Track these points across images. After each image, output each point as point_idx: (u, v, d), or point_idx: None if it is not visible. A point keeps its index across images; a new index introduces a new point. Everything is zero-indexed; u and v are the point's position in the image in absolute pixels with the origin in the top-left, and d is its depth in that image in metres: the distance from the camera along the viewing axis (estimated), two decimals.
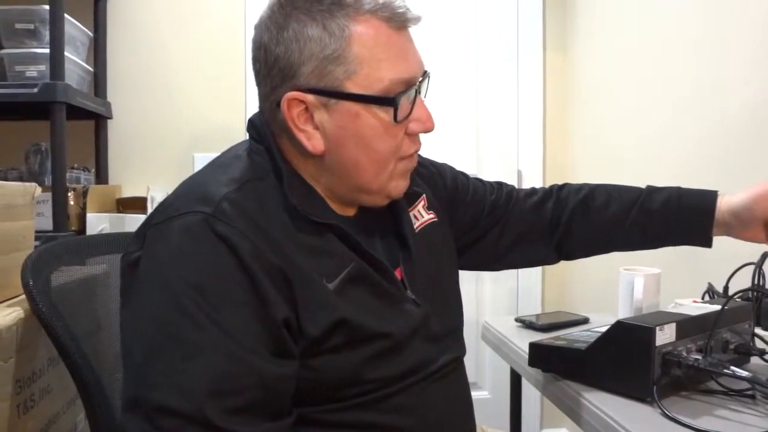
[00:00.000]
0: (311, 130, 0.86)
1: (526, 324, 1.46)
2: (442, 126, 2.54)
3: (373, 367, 0.85)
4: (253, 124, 0.94)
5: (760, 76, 1.57)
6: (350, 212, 0.95)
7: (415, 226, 1.01)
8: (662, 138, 1.99)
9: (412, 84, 0.86)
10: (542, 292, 2.73)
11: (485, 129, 2.68)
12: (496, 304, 2.70)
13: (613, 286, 1.44)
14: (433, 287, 0.98)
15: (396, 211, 0.98)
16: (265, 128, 0.90)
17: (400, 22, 0.85)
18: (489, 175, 1.27)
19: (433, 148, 2.49)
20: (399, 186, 0.92)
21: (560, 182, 1.22)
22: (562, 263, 2.46)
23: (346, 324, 0.82)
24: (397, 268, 0.94)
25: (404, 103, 0.86)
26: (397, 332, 0.87)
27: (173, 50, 2.49)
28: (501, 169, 2.63)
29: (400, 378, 0.87)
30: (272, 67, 0.85)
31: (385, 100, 0.84)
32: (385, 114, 0.85)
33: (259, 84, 0.90)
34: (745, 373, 0.90)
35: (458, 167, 1.23)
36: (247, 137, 0.95)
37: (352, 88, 0.83)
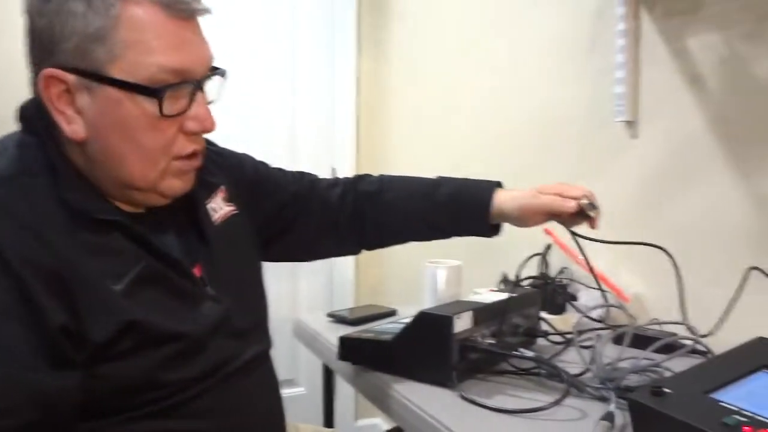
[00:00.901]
0: (72, 113, 0.79)
1: (338, 318, 1.48)
2: (258, 122, 2.53)
3: (170, 369, 0.81)
4: (24, 113, 0.84)
5: (544, 85, 1.72)
6: (141, 208, 0.89)
7: (213, 219, 0.97)
8: (465, 138, 2.12)
9: (188, 78, 0.81)
10: (356, 286, 2.78)
11: (300, 126, 2.67)
12: (311, 299, 2.71)
13: (421, 279, 1.50)
14: (235, 281, 0.95)
15: (192, 204, 0.94)
16: (40, 115, 0.81)
17: (179, 11, 0.79)
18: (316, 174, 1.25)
19: (247, 143, 2.46)
20: (174, 186, 0.86)
21: None
22: (375, 257, 2.51)
23: (135, 326, 0.77)
24: (196, 265, 0.90)
25: (177, 97, 0.80)
26: (193, 332, 0.83)
27: None
28: (315, 166, 2.65)
29: (200, 379, 0.84)
30: (35, 41, 0.78)
31: (150, 91, 0.78)
32: (150, 105, 0.78)
33: (28, 60, 0.81)
34: (531, 354, 0.98)
35: (273, 164, 1.21)
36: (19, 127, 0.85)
37: (115, 72, 0.77)
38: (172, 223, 0.92)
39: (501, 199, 1.08)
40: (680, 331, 1.14)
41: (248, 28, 2.53)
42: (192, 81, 0.81)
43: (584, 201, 1.00)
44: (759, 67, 1.18)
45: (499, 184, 1.11)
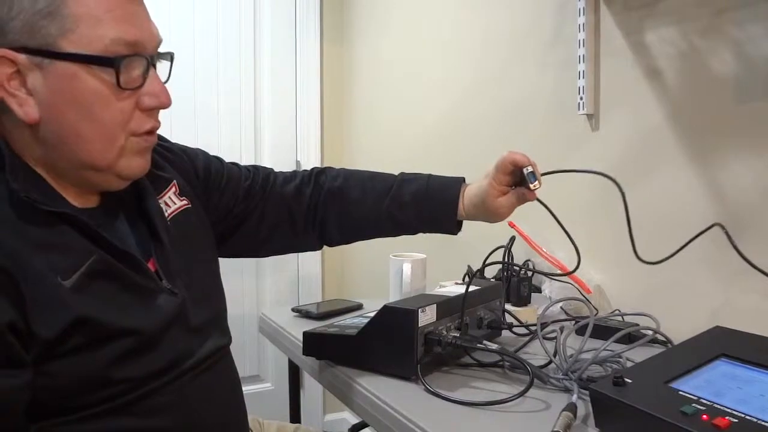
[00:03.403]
0: (24, 95, 0.77)
1: (303, 313, 1.47)
2: (221, 115, 2.51)
3: (123, 366, 0.79)
4: None
5: (508, 76, 1.73)
6: (92, 203, 0.87)
7: (166, 214, 0.95)
8: (429, 128, 2.12)
9: (140, 51, 0.80)
10: (322, 280, 2.78)
11: (264, 120, 2.65)
12: (277, 294, 2.70)
13: (386, 272, 1.50)
14: (190, 276, 0.93)
15: (144, 199, 0.92)
16: None
17: None
18: (268, 166, 1.24)
19: (211, 137, 2.45)
20: (133, 165, 0.85)
21: None
22: (341, 251, 2.50)
23: (86, 323, 0.75)
24: (150, 259, 0.89)
25: (132, 70, 0.80)
26: (148, 327, 0.82)
27: None
28: (280, 159, 2.63)
29: (155, 375, 0.82)
30: None
31: (106, 60, 0.77)
32: (108, 76, 0.78)
33: None
34: (495, 347, 0.98)
35: (237, 158, 1.20)
36: None
37: (68, 46, 0.76)
38: (125, 217, 0.90)
39: (469, 193, 1.09)
40: (642, 321, 1.15)
41: (209, 17, 2.51)
42: (144, 55, 0.81)
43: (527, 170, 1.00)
44: (715, 61, 1.20)
45: (463, 180, 1.12)
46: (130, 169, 0.85)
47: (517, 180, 1.02)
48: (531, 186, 0.99)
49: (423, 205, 1.11)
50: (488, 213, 1.06)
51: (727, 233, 1.00)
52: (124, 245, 0.84)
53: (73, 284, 0.76)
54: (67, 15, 0.75)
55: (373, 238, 1.20)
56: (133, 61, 0.80)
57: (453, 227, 1.12)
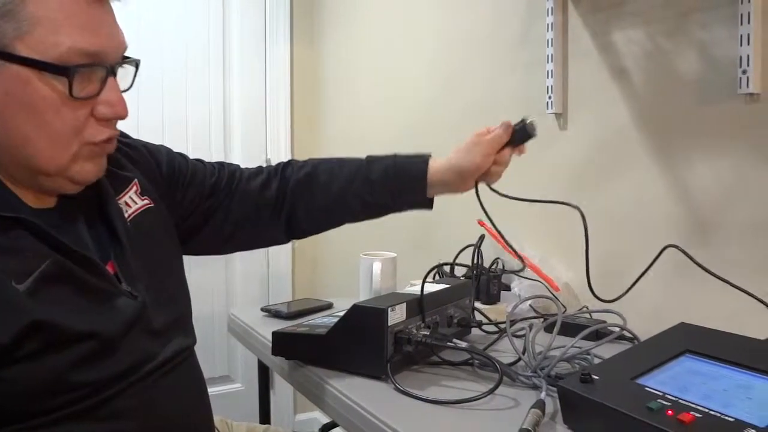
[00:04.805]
0: None
1: (272, 313, 1.46)
2: (190, 114, 2.48)
3: (83, 370, 0.77)
4: None
5: (477, 75, 1.74)
6: (49, 203, 0.85)
7: (127, 215, 0.93)
8: (399, 127, 2.12)
9: (100, 60, 0.78)
10: (292, 279, 2.76)
11: (234, 118, 2.63)
12: (246, 293, 2.68)
13: (357, 271, 1.50)
14: (152, 277, 0.92)
15: (104, 200, 0.90)
16: None
17: None
18: (238, 164, 1.22)
19: (179, 136, 2.42)
20: (85, 170, 0.83)
21: None
22: (311, 250, 2.49)
23: (41, 327, 0.73)
24: (109, 261, 0.87)
25: (88, 80, 0.78)
26: (106, 330, 0.80)
27: None
28: (250, 157, 2.61)
29: (117, 379, 0.81)
30: None
31: (59, 69, 0.75)
32: (60, 85, 0.76)
33: None
34: (464, 344, 0.98)
35: (206, 157, 1.18)
36: None
37: (23, 49, 0.73)
38: (84, 218, 0.88)
39: (436, 165, 1.10)
40: (609, 318, 1.17)
41: (178, 17, 2.48)
42: (104, 65, 0.79)
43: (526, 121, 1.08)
44: (681, 62, 1.22)
45: (430, 155, 1.12)
46: (82, 174, 0.83)
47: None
48: (534, 135, 1.08)
49: (392, 179, 1.11)
50: (467, 162, 1.08)
51: (683, 251, 1.03)
52: (81, 248, 0.82)
53: (27, 288, 0.74)
54: (24, 17, 0.73)
55: (343, 222, 1.18)
56: (90, 70, 0.78)
57: (424, 198, 1.12)
